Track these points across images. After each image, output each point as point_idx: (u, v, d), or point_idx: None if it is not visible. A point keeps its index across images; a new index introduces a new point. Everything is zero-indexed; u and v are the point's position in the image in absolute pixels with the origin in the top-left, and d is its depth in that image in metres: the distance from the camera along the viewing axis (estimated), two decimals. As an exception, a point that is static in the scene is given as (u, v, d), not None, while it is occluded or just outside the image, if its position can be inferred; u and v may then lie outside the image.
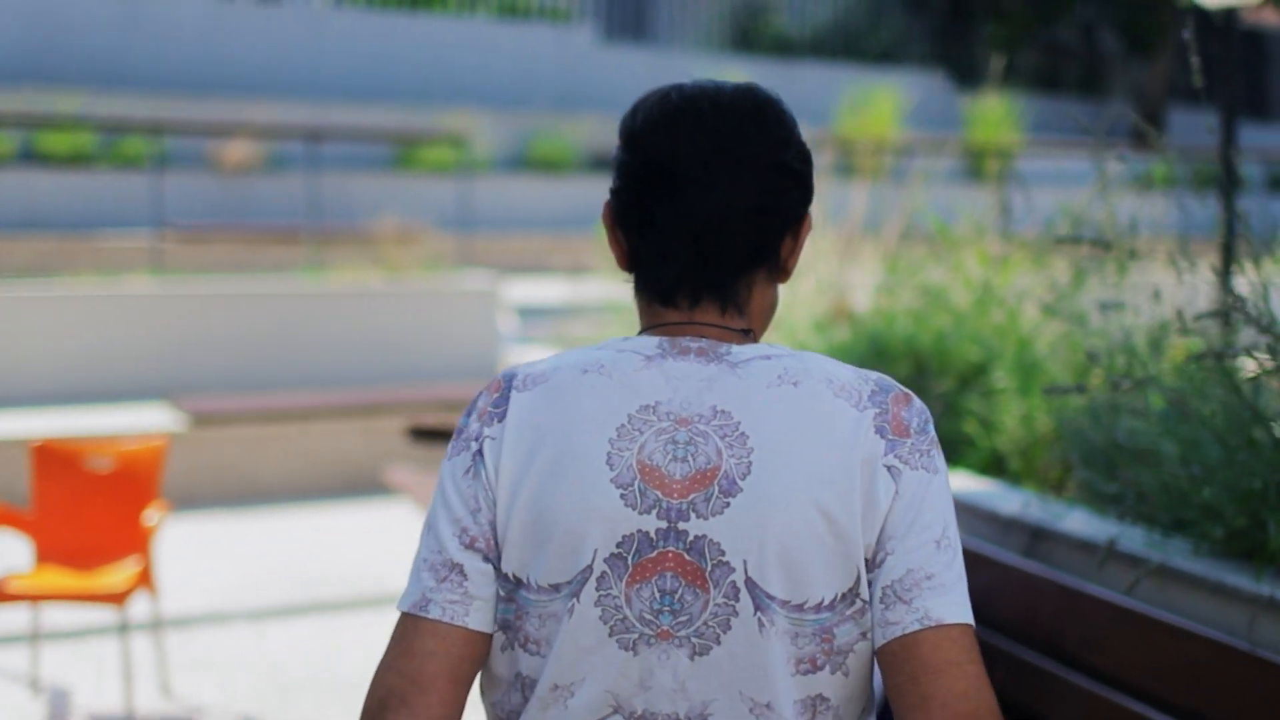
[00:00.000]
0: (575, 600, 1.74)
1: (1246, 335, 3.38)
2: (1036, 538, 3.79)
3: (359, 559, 7.94)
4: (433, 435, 7.90)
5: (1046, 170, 6.68)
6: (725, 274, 1.85)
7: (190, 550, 8.00)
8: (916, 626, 1.72)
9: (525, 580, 1.77)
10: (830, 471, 1.74)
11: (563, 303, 10.87)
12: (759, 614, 1.72)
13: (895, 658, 1.73)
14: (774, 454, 1.75)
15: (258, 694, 5.74)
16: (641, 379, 1.80)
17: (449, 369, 10.83)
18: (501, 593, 1.79)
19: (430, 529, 1.81)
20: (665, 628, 1.74)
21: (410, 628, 1.78)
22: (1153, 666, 3.04)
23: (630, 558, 1.74)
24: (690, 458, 1.75)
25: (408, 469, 7.85)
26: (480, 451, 1.80)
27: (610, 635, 1.74)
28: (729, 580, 1.73)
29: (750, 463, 1.74)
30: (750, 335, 1.89)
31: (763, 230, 1.85)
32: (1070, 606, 3.37)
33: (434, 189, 16.47)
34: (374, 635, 6.43)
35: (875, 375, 1.85)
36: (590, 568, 1.74)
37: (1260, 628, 2.95)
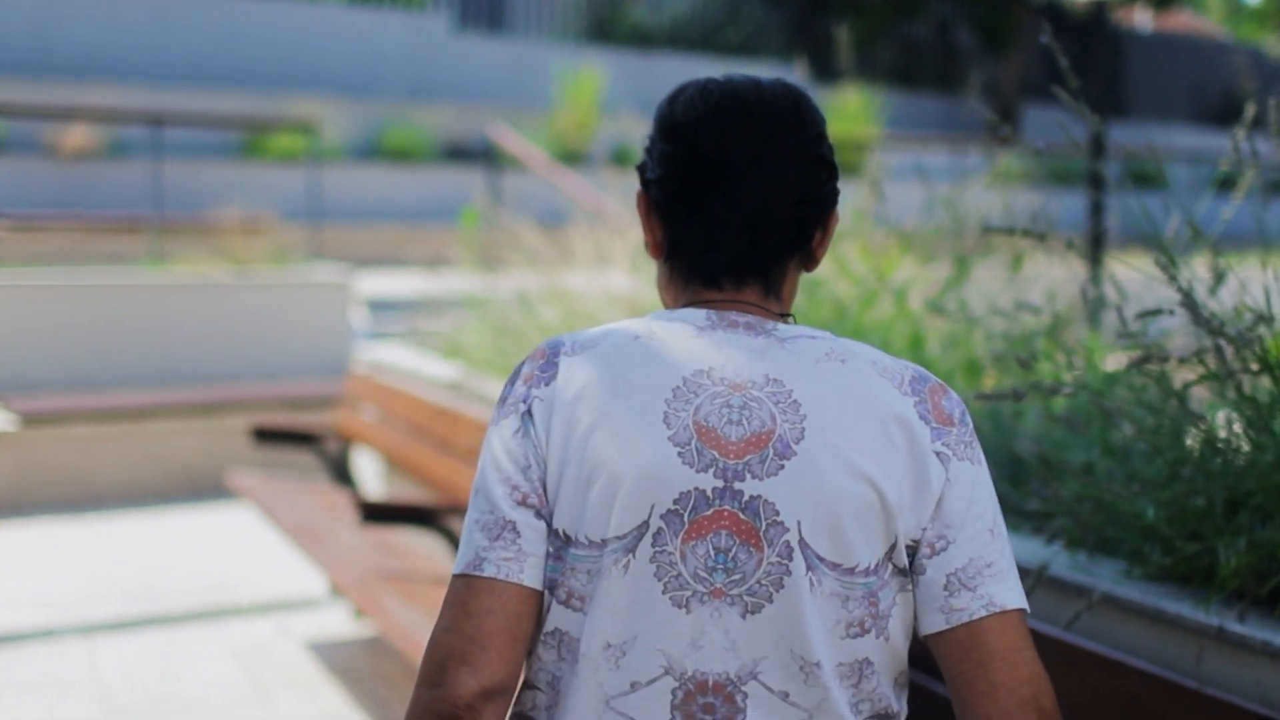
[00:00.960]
0: (630, 556, 1.79)
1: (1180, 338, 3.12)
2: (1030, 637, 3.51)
3: (200, 568, 7.49)
4: (279, 437, 7.47)
5: (905, 164, 6.54)
6: (769, 260, 1.98)
7: (17, 560, 7.54)
8: (983, 613, 1.81)
9: (575, 537, 1.81)
10: (877, 445, 1.83)
11: (418, 296, 10.47)
12: (810, 574, 1.80)
13: (961, 644, 1.83)
14: (826, 422, 1.83)
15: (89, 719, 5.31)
16: (694, 345, 1.88)
17: (298, 366, 10.36)
18: (550, 550, 1.82)
19: (480, 491, 1.84)
20: (719, 585, 1.79)
21: (465, 588, 1.79)
22: (1088, 704, 2.76)
23: (687, 515, 1.79)
24: (745, 421, 1.83)
25: (253, 473, 7.42)
26: (529, 412, 1.84)
27: (664, 592, 1.79)
28: (783, 540, 1.80)
29: (804, 429, 1.82)
30: (789, 319, 2.00)
31: (802, 219, 1.98)
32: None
33: (282, 178, 15.94)
34: (216, 651, 6.02)
35: (911, 364, 1.95)
36: (647, 523, 1.79)
37: (1208, 662, 2.68)
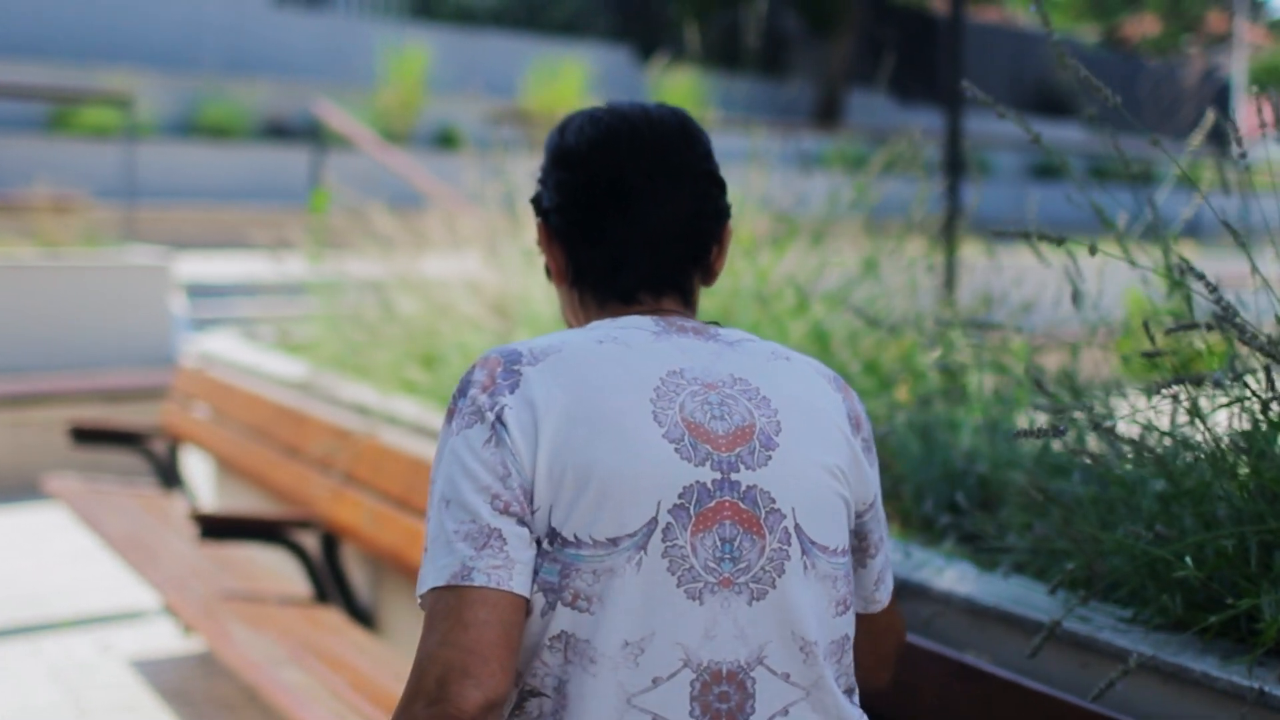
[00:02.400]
0: (641, 553, 1.82)
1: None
2: (898, 595, 3.11)
3: (11, 578, 6.83)
4: (99, 437, 6.87)
5: (734, 148, 6.34)
6: (677, 274, 2.10)
7: None
8: (886, 602, 2.24)
9: (576, 538, 1.82)
10: (833, 439, 2.00)
11: (242, 282, 9.86)
12: (804, 558, 1.92)
13: (865, 623, 2.19)
14: (795, 415, 1.97)
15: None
16: (658, 348, 1.97)
17: (115, 355, 9.66)
18: (548, 550, 1.83)
19: (452, 503, 1.82)
20: (726, 575, 1.86)
21: (456, 601, 1.76)
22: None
23: (692, 508, 1.85)
24: (727, 416, 1.92)
25: (70, 476, 6.80)
26: (500, 420, 1.85)
27: (678, 586, 1.83)
28: (781, 526, 1.90)
29: (779, 422, 1.95)
30: (716, 325, 2.08)
31: (701, 233, 2.12)
32: (988, 700, 2.68)
33: (93, 155, 15.08)
34: (31, 671, 5.41)
35: (823, 364, 2.13)
36: (655, 519, 1.83)
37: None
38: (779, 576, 1.89)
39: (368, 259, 6.46)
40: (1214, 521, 2.49)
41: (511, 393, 1.87)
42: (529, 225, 5.92)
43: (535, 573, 1.83)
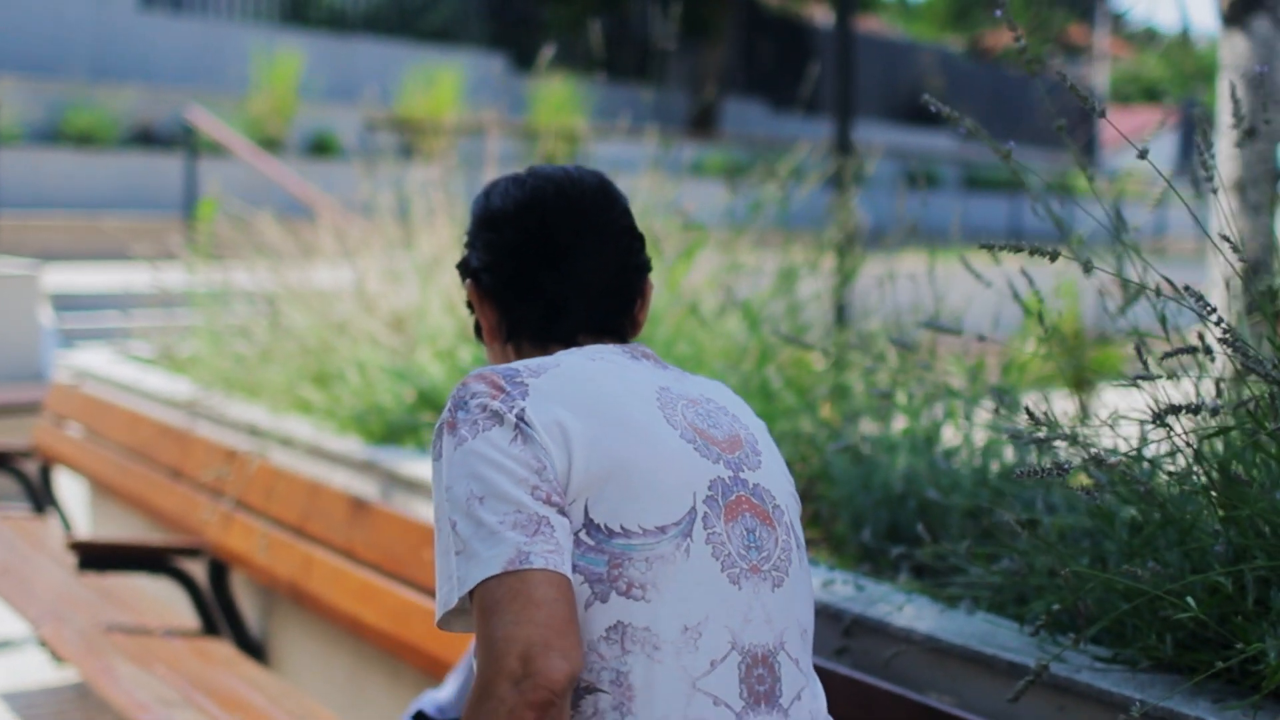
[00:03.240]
0: (688, 539, 1.91)
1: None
2: (851, 633, 2.93)
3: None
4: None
5: (612, 155, 6.29)
6: (614, 321, 2.22)
7: None
8: None
9: (623, 528, 1.88)
10: (777, 450, 2.18)
11: (114, 292, 9.47)
12: (798, 550, 2.07)
13: None
14: (756, 430, 2.14)
15: None
16: (639, 368, 2.10)
17: (-22, 371, 9.24)
18: (589, 542, 1.87)
19: (488, 498, 1.84)
20: (755, 562, 1.97)
21: (519, 584, 1.78)
22: None
23: (720, 499, 1.97)
24: (717, 426, 2.06)
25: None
26: (523, 420, 1.90)
27: (722, 571, 1.92)
28: (784, 521, 2.05)
29: (754, 434, 2.11)
30: None
31: (629, 285, 2.25)
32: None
33: (-48, 162, 14.51)
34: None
35: None
36: (694, 509, 1.93)
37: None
38: (789, 566, 2.02)
39: (254, 270, 6.17)
40: (1202, 556, 2.33)
41: (524, 398, 1.94)
42: (424, 236, 5.70)
43: (572, 566, 1.86)
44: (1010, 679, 2.60)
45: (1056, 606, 2.40)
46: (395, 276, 5.69)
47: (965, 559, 2.91)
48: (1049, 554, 2.56)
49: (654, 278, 4.92)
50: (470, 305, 2.30)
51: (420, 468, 4.39)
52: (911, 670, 2.81)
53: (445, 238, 5.60)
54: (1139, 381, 2.26)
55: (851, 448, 3.54)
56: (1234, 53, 4.47)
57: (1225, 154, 6.60)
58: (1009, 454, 3.63)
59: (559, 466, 1.88)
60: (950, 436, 3.91)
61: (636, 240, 2.27)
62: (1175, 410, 2.14)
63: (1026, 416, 2.22)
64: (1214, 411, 2.17)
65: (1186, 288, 2.20)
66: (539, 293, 2.18)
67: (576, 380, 2.00)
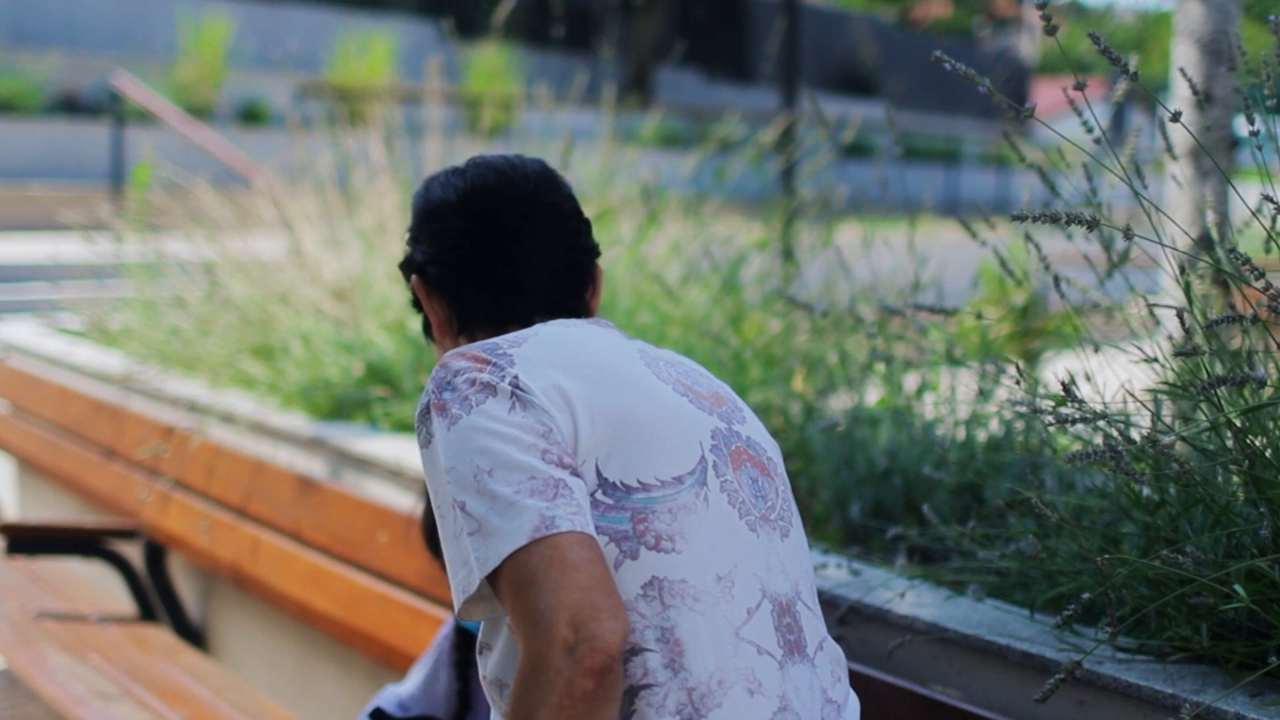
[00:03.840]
0: (704, 488, 1.87)
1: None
2: (846, 621, 2.74)
3: None
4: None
5: (546, 124, 6.19)
6: (569, 301, 2.20)
7: None
8: None
9: (640, 481, 1.83)
10: None
11: (39, 263, 9.13)
12: (793, 504, 2.05)
13: None
14: (734, 392, 2.11)
15: None
16: (611, 334, 2.09)
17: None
18: (608, 501, 1.81)
19: (497, 470, 1.77)
20: (764, 511, 1.95)
21: (550, 550, 1.71)
22: None
23: (724, 448, 1.94)
24: (699, 383, 2.04)
25: None
26: (518, 387, 1.85)
27: (740, 518, 1.90)
28: (779, 473, 2.05)
29: (732, 394, 2.09)
30: None
31: (580, 265, 2.23)
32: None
33: None
34: None
35: None
36: (704, 458, 1.90)
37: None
38: (791, 517, 2.00)
39: (190, 239, 5.90)
40: (1235, 539, 2.16)
41: (512, 366, 1.88)
42: (367, 204, 5.47)
43: (595, 529, 1.79)
44: (1024, 671, 2.43)
45: (1087, 595, 2.21)
46: (337, 244, 5.44)
47: (968, 541, 2.72)
48: (1069, 537, 2.37)
49: (614, 250, 4.81)
50: (417, 304, 2.27)
51: (372, 444, 4.17)
52: (911, 661, 2.63)
53: (389, 204, 5.36)
54: (1173, 355, 2.07)
55: (836, 425, 3.35)
56: (1188, 19, 4.40)
57: (1181, 121, 6.49)
58: (993, 426, 3.47)
59: (564, 428, 1.83)
60: (927, 408, 3.75)
61: (583, 223, 2.25)
62: (1221, 383, 1.96)
63: (1061, 390, 2.02)
64: (1261, 384, 1.99)
65: (1244, 262, 2.01)
66: (489, 277, 2.15)
67: (559, 344, 1.96)
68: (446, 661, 2.90)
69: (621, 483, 1.83)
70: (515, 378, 1.85)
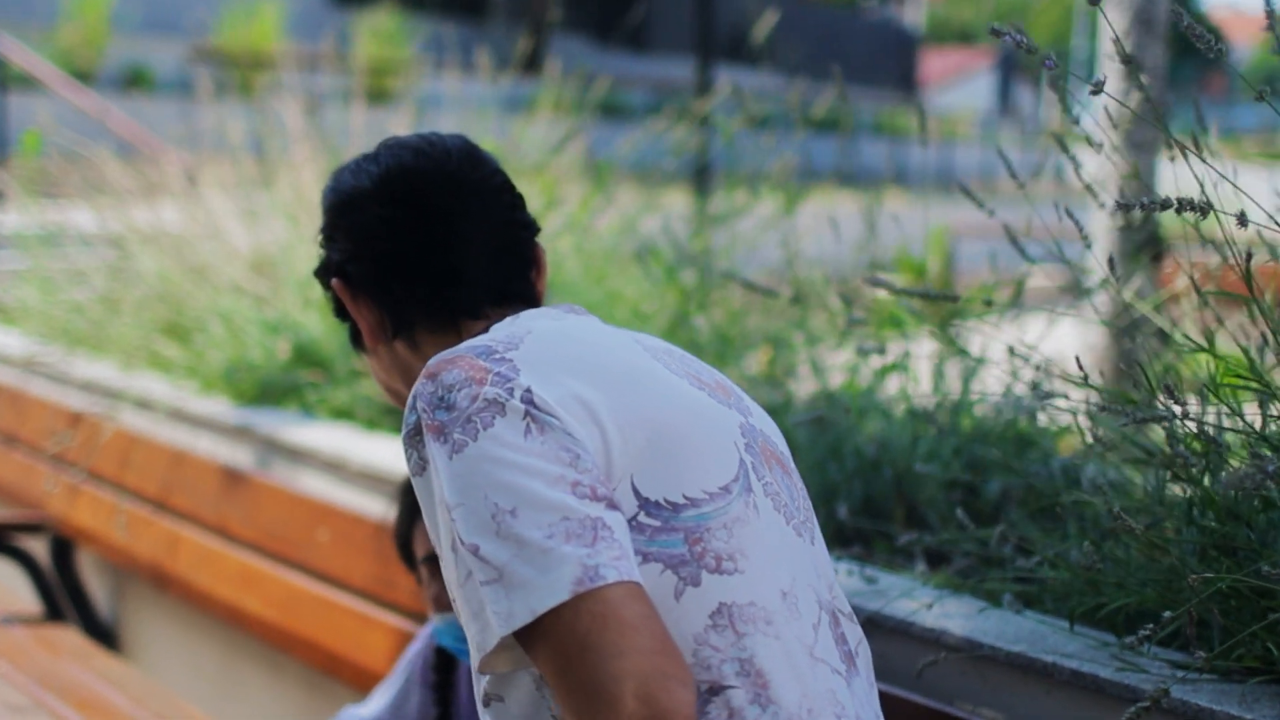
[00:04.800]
0: (750, 494, 1.68)
1: None
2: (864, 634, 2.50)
3: None
4: None
5: (440, 92, 6.05)
6: (518, 284, 1.97)
7: None
8: None
9: (686, 497, 1.62)
10: None
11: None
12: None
13: None
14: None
15: None
16: (604, 326, 1.86)
17: None
18: (654, 523, 1.59)
19: (522, 509, 1.52)
20: (792, 512, 1.75)
21: (600, 608, 1.47)
22: None
23: (755, 445, 1.75)
24: (703, 374, 1.81)
25: None
26: (532, 404, 1.60)
27: (787, 523, 1.72)
28: (793, 468, 1.84)
29: (730, 382, 1.87)
30: None
31: (521, 242, 2.00)
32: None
33: None
34: None
35: None
36: (742, 460, 1.70)
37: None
38: (812, 516, 1.83)
39: (91, 209, 5.54)
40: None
41: (518, 374, 1.63)
42: (282, 174, 5.16)
43: (643, 556, 1.58)
44: (1072, 691, 2.20)
45: (1169, 615, 1.99)
46: (253, 216, 5.13)
47: (995, 545, 2.50)
48: (1139, 546, 2.15)
49: (556, 223, 4.57)
50: (341, 312, 2.04)
51: (307, 433, 3.87)
52: (937, 678, 2.39)
53: (308, 175, 5.05)
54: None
55: (821, 416, 3.12)
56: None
57: (1111, 91, 6.38)
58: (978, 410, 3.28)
59: (593, 448, 1.59)
60: (894, 391, 3.56)
61: (517, 198, 2.03)
62: None
63: (1164, 395, 1.78)
64: None
65: None
66: (421, 268, 1.92)
67: (562, 342, 1.73)
68: (420, 682, 2.62)
69: (666, 500, 1.62)
70: (527, 391, 1.60)
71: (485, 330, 1.84)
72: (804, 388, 3.79)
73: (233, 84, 11.13)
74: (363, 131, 5.28)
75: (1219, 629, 2.12)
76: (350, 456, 3.64)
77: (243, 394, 4.27)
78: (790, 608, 1.64)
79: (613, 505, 1.57)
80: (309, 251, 4.71)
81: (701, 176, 8.60)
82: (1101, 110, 2.63)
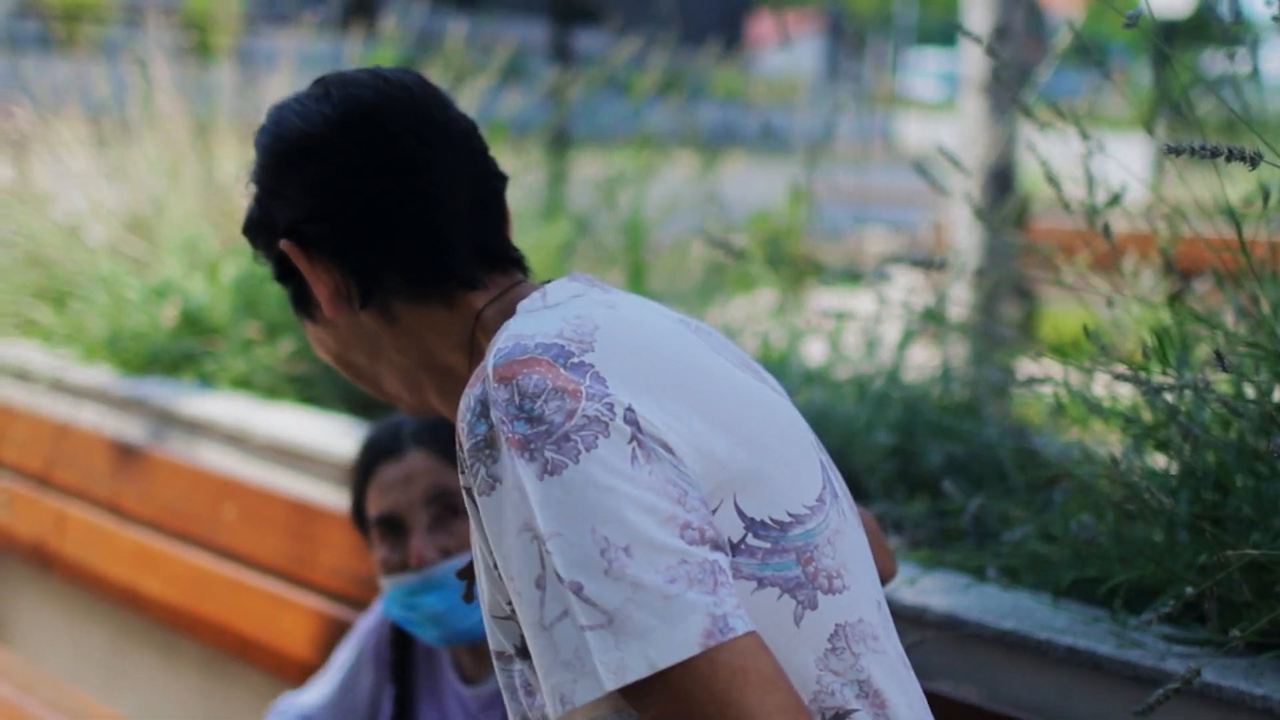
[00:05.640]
0: (837, 500, 1.58)
1: None
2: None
3: None
4: None
5: (267, 49, 5.89)
6: (507, 243, 1.75)
7: None
8: None
9: (790, 514, 1.49)
10: None
11: None
12: None
13: None
14: None
15: None
16: (636, 299, 1.68)
17: None
18: (764, 545, 1.46)
19: (636, 548, 1.36)
20: (851, 503, 1.67)
21: (735, 661, 1.35)
22: None
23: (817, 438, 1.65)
24: (746, 359, 1.68)
25: None
26: (639, 426, 1.41)
27: (860, 524, 1.64)
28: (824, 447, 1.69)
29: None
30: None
31: (498, 196, 1.77)
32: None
33: None
34: None
35: None
36: (821, 461, 1.60)
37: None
38: (852, 499, 1.70)
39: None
40: None
41: (606, 385, 1.44)
42: (145, 132, 4.92)
43: (758, 582, 1.46)
44: (1067, 669, 2.14)
45: (1191, 590, 1.93)
46: (122, 173, 4.89)
47: (971, 519, 2.43)
48: (1143, 520, 2.09)
49: None
50: (283, 276, 1.77)
51: (206, 405, 3.67)
52: (915, 657, 2.32)
53: (179, 130, 4.83)
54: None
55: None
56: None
57: (974, 55, 6.37)
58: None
59: (695, 474, 1.43)
60: (818, 355, 3.52)
61: (481, 140, 1.78)
62: None
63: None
64: None
65: None
66: (400, 227, 1.67)
67: (634, 342, 1.52)
68: (371, 661, 2.48)
69: (771, 519, 1.48)
70: (629, 410, 1.42)
71: (491, 303, 1.66)
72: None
73: (58, 39, 10.78)
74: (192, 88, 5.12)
75: (1215, 603, 2.08)
76: (254, 429, 3.47)
77: (128, 363, 4.05)
78: (884, 618, 1.57)
79: (719, 546, 1.43)
80: (187, 211, 4.50)
81: (559, 139, 8.54)
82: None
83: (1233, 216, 2.17)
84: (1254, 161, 1.63)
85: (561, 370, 1.44)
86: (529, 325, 1.52)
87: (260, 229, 1.76)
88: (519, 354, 1.46)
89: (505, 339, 1.50)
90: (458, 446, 1.48)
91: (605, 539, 1.36)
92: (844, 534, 1.54)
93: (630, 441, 1.41)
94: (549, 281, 1.68)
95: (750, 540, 1.45)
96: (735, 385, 1.56)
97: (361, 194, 1.68)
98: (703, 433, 1.46)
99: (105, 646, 3.96)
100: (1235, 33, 2.24)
